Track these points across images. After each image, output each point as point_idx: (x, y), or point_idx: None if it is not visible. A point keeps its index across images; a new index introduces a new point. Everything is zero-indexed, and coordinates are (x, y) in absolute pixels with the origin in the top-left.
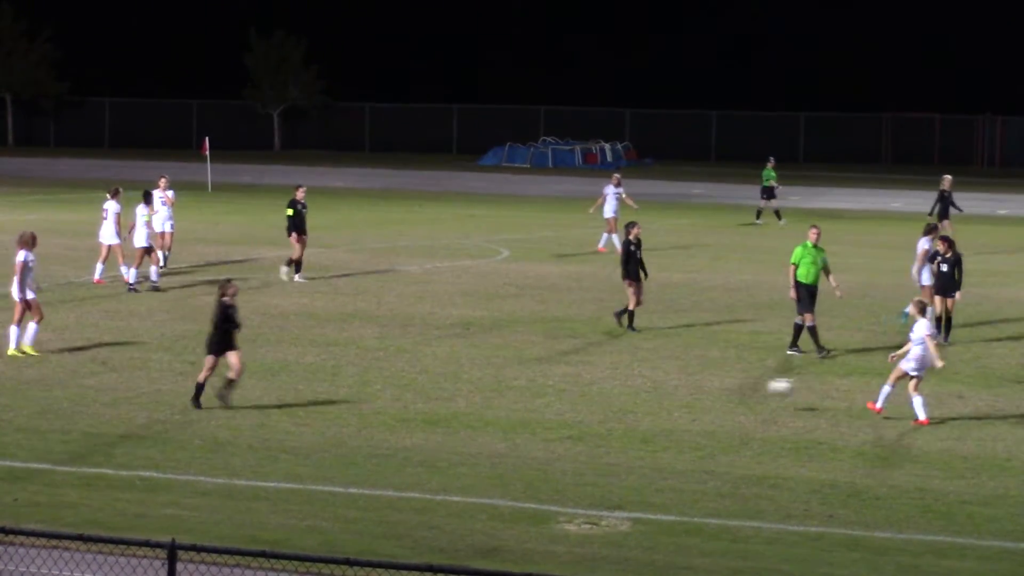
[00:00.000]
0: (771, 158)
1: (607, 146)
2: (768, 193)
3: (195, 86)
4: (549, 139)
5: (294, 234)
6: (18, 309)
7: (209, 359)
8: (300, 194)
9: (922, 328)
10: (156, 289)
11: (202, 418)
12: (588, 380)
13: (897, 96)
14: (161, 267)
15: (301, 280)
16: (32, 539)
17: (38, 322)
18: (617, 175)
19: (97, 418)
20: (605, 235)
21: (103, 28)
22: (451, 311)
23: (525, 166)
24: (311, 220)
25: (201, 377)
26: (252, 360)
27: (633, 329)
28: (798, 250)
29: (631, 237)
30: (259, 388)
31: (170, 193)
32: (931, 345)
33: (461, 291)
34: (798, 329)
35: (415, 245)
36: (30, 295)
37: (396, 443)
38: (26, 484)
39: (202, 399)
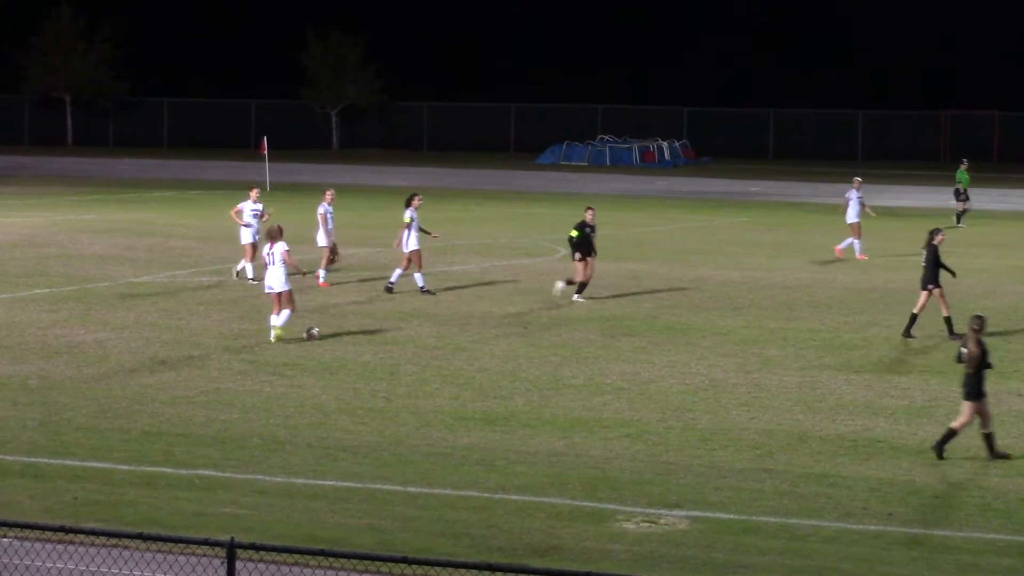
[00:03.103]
0: (964, 160)
1: (665, 144)
2: (962, 195)
3: (253, 86)
4: (607, 137)
5: (578, 255)
6: (277, 299)
7: (968, 405)
8: (589, 216)
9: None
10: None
11: (260, 417)
12: (646, 378)
13: (955, 93)
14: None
15: (580, 300)
16: (92, 538)
17: (292, 310)
18: (858, 179)
19: (156, 417)
20: (849, 239)
21: (161, 28)
22: (508, 309)
23: (583, 164)
24: (366, 220)
25: (957, 424)
26: (310, 359)
27: (955, 336)
28: None
29: (935, 242)
30: (317, 387)
31: (259, 206)
32: None
33: (518, 289)
34: None
35: (472, 244)
36: (288, 287)
37: (454, 441)
38: (85, 483)
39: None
